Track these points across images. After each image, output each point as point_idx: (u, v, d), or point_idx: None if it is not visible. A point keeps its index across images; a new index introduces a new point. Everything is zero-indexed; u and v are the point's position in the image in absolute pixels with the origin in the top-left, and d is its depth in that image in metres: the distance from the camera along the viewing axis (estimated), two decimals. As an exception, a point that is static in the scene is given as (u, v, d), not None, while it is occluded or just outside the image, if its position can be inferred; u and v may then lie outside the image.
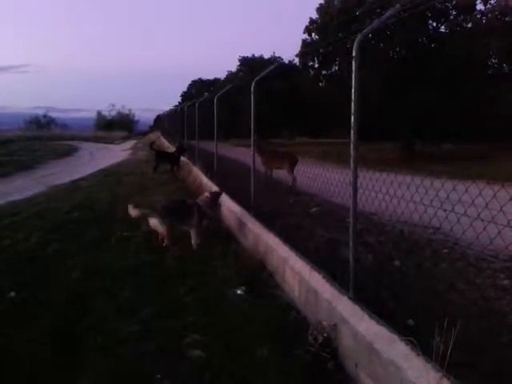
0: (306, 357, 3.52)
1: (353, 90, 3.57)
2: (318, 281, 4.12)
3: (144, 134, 59.57)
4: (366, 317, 3.28)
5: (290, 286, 4.79)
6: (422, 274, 5.45)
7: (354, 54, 3.59)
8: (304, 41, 25.32)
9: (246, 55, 44.00)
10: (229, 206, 8.19)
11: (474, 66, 21.99)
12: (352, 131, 3.59)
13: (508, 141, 18.81)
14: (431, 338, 2.98)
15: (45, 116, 67.80)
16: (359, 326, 3.28)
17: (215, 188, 9.94)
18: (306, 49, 24.43)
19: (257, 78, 6.96)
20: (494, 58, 23.01)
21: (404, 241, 6.90)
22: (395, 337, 2.94)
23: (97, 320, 4.24)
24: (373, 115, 23.36)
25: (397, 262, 5.92)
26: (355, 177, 3.63)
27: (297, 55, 25.23)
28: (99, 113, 71.24)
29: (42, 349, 3.73)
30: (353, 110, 3.57)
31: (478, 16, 23.00)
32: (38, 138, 41.36)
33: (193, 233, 6.76)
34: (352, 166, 3.62)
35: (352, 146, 3.60)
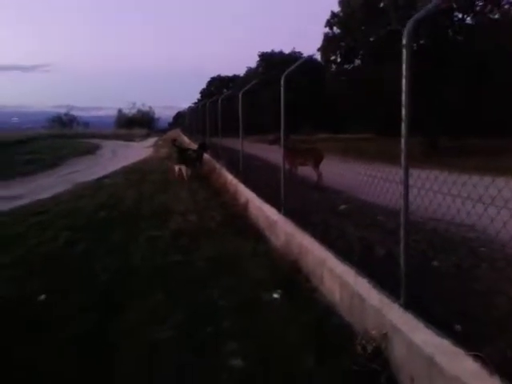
0: (356, 368, 3.28)
1: (403, 81, 3.31)
2: (363, 286, 3.86)
3: (164, 131, 59.68)
4: (422, 326, 3.02)
5: (329, 290, 4.54)
6: (463, 275, 5.14)
7: (404, 42, 3.32)
8: (326, 35, 24.89)
9: (265, 51, 43.61)
10: (257, 203, 7.97)
11: (503, 59, 21.31)
12: (403, 125, 3.33)
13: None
14: (483, 345, 2.75)
15: (66, 114, 68.60)
16: (415, 337, 3.02)
17: (241, 186, 9.76)
18: (328, 43, 24.05)
19: (287, 72, 6.70)
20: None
21: (440, 239, 6.57)
22: (460, 351, 2.67)
23: (129, 325, 4.06)
24: (395, 110, 22.85)
25: (435, 263, 5.61)
26: (406, 174, 3.36)
27: (318, 49, 24.79)
28: (120, 111, 71.71)
29: (72, 356, 3.56)
30: (404, 102, 3.31)
31: (506, 7, 22.28)
32: (61, 136, 41.77)
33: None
34: (403, 162, 3.35)
35: (403, 141, 3.34)
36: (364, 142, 26.84)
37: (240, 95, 10.35)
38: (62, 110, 71.09)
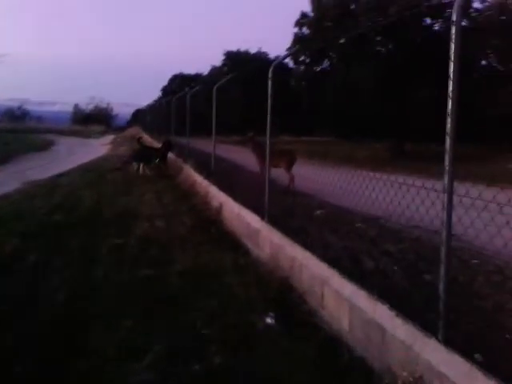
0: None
1: (451, 66, 2.68)
2: (383, 314, 3.20)
3: (122, 129, 57.77)
4: (481, 375, 2.38)
5: (333, 315, 3.86)
6: (460, 291, 4.60)
7: (454, 19, 2.68)
8: (296, 35, 24.41)
9: (230, 49, 42.62)
10: (234, 208, 7.22)
11: (471, 66, 21.53)
12: (449, 120, 2.68)
13: (507, 141, 18.16)
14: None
15: (19, 108, 65.34)
16: (469, 387, 2.38)
17: (213, 188, 9.01)
18: (298, 43, 23.55)
19: (275, 63, 6.05)
20: (491, 57, 22.51)
21: (426, 249, 6.07)
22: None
23: (95, 364, 3.23)
24: (363, 114, 22.74)
25: (428, 276, 5.05)
26: (451, 181, 2.71)
27: (288, 49, 24.25)
28: (76, 105, 68.94)
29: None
30: (450, 92, 2.67)
31: (473, 14, 22.46)
32: (12, 131, 39.41)
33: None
34: (447, 166, 2.70)
35: (448, 140, 2.69)
36: (328, 145, 26.59)
37: (214, 90, 9.58)
38: (14, 104, 67.66)
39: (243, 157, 12.71)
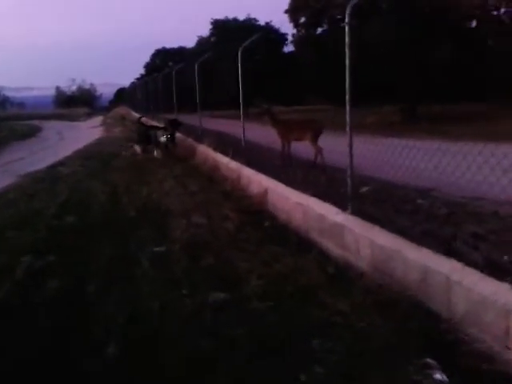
0: None
1: None
2: None
3: (107, 109, 55.66)
4: None
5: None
6: None
7: None
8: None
9: (217, 18, 40.18)
10: (290, 197, 5.85)
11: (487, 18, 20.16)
12: None
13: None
14: None
15: (-3, 95, 62.72)
16: None
17: (249, 171, 7.63)
18: (298, 3, 21.76)
19: (352, 3, 4.61)
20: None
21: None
22: None
23: None
24: (375, 76, 21.24)
25: None
26: None
27: (286, 11, 22.49)
28: (58, 88, 66.24)
29: None
30: None
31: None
32: (-8, 119, 37.35)
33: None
34: None
35: None
36: (327, 113, 25.12)
37: (239, 54, 8.04)
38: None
39: (256, 133, 11.20)
